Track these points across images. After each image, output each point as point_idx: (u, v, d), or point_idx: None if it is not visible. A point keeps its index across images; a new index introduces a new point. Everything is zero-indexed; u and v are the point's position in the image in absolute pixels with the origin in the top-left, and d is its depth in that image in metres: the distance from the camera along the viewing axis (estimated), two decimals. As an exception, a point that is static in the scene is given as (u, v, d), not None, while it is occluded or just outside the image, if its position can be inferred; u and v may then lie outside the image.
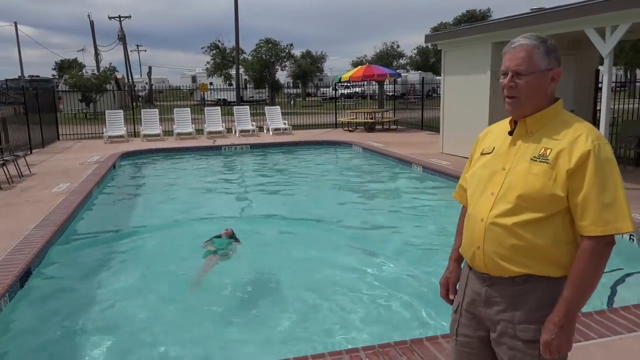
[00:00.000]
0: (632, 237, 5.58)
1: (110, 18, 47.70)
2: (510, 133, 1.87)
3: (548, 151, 1.75)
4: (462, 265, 2.09)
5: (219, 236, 6.27)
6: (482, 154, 1.97)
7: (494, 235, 1.78)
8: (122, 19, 47.24)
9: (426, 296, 4.79)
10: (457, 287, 2.07)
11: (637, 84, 19.52)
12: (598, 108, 10.01)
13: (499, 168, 1.84)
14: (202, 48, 40.81)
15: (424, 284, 5.10)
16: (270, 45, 38.48)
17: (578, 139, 1.72)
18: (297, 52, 44.88)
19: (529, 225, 1.73)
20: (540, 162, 1.74)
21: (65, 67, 51.83)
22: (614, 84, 12.25)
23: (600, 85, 9.92)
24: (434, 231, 7.17)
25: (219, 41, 39.39)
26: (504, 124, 1.96)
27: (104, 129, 17.11)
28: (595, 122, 10.11)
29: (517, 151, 1.82)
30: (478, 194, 1.89)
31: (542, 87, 1.79)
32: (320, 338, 4.06)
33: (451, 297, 2.09)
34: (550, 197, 1.71)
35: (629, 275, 5.03)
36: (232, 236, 6.29)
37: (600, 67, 9.32)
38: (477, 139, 2.08)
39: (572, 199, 1.71)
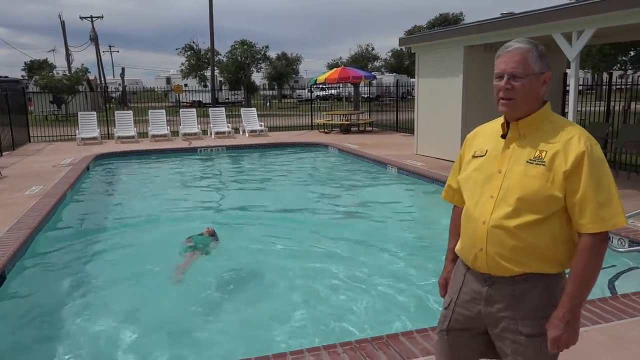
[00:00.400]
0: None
1: (81, 18, 46.94)
2: (503, 136, 1.92)
3: (543, 153, 1.80)
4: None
5: (200, 234, 6.40)
6: (474, 156, 2.01)
7: (495, 237, 1.84)
8: (94, 19, 46.52)
9: (401, 292, 4.94)
10: (450, 284, 2.14)
11: (604, 86, 20.11)
12: (566, 110, 10.33)
13: (495, 171, 1.89)
14: (177, 49, 40.57)
15: (398, 281, 5.24)
16: (245, 46, 38.45)
17: (571, 141, 1.79)
18: (272, 54, 44.98)
19: (529, 227, 1.80)
20: (537, 164, 1.80)
21: (35, 67, 50.78)
22: (581, 86, 12.64)
23: (568, 87, 10.24)
24: (409, 229, 7.32)
25: (194, 42, 39.30)
26: (494, 126, 2.01)
27: (77, 131, 16.85)
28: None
29: (512, 154, 1.87)
30: (477, 197, 1.93)
31: (535, 90, 1.85)
32: (298, 334, 4.14)
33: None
34: (548, 198, 1.77)
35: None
36: (213, 235, 6.44)
37: (568, 71, 9.61)
38: (465, 141, 2.13)
39: (570, 199, 1.77)
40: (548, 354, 1.87)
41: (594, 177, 1.75)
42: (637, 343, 3.48)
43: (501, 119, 1.98)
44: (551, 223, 1.80)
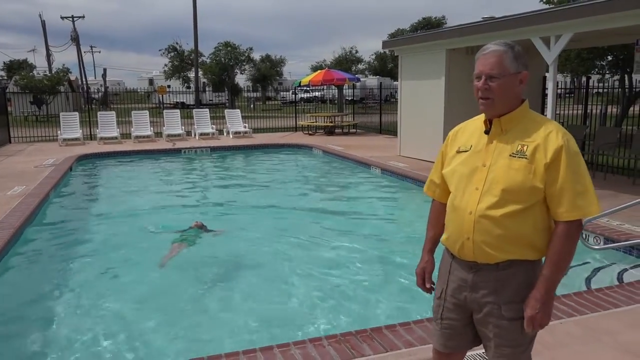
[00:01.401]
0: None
1: (62, 18, 46.36)
2: (487, 132, 2.04)
3: (525, 147, 1.93)
4: (435, 255, 2.30)
5: (189, 228, 6.76)
6: (458, 151, 2.12)
7: (482, 226, 1.96)
8: (75, 19, 46.00)
9: (384, 287, 5.06)
10: (438, 274, 2.24)
11: (582, 90, 20.51)
12: (545, 113, 10.56)
13: (480, 165, 2.01)
14: (160, 50, 40.29)
15: (381, 276, 5.37)
16: (229, 48, 38.34)
17: (550, 135, 1.92)
18: (256, 55, 44.90)
19: (513, 216, 1.92)
20: (519, 157, 1.93)
21: (15, 67, 50.03)
22: (561, 90, 12.92)
23: (546, 91, 10.48)
24: (392, 227, 7.45)
25: (177, 43, 39.00)
26: (476, 123, 2.13)
27: (59, 132, 16.70)
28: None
29: (495, 148, 1.99)
30: (462, 189, 2.04)
31: (512, 89, 1.97)
32: (284, 327, 4.22)
33: (427, 285, 2.29)
34: (531, 189, 1.90)
35: (571, 266, 5.40)
36: (201, 227, 6.77)
37: (547, 74, 9.85)
38: (447, 137, 2.24)
39: (549, 189, 1.90)
40: (527, 335, 2.02)
41: (571, 169, 1.88)
42: (609, 334, 3.62)
43: (483, 116, 2.10)
44: (533, 212, 1.93)
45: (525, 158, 1.92)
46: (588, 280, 5.07)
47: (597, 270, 5.38)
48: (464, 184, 2.04)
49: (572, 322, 3.80)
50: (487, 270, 2.01)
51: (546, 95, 10.19)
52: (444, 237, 2.18)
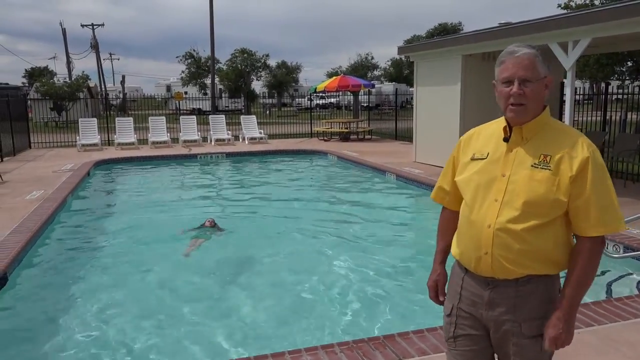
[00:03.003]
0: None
1: (82, 26, 47.17)
2: (506, 140, 1.91)
3: (548, 158, 1.82)
4: (447, 267, 2.18)
5: (202, 225, 7.06)
6: (472, 159, 1.99)
7: (502, 241, 1.84)
8: (95, 27, 46.77)
9: (398, 294, 5.02)
10: (447, 290, 2.12)
11: (601, 96, 20.26)
12: (563, 119, 10.44)
13: (499, 174, 1.88)
14: (177, 57, 40.82)
15: (395, 283, 5.32)
16: (245, 55, 38.67)
17: (576, 146, 1.81)
18: (272, 62, 45.18)
19: (534, 230, 1.82)
20: (542, 168, 1.81)
21: (36, 74, 50.98)
22: (580, 96, 12.76)
23: (564, 97, 10.35)
24: (407, 234, 7.40)
25: (194, 50, 39.48)
26: (492, 129, 2.01)
27: (77, 137, 16.94)
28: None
29: (515, 158, 1.87)
30: (480, 200, 1.91)
31: (542, 94, 1.87)
32: (296, 333, 4.21)
33: (441, 298, 2.16)
34: (554, 202, 1.79)
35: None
36: (214, 225, 7.05)
37: (564, 80, 9.73)
38: (459, 142, 2.12)
39: (573, 203, 1.80)
40: (546, 353, 1.93)
41: (597, 182, 1.79)
42: (629, 345, 3.54)
43: (498, 122, 1.99)
44: (554, 226, 1.84)
45: (549, 169, 1.81)
46: (607, 290, 4.97)
47: (617, 279, 5.27)
48: (482, 195, 1.91)
49: (590, 332, 3.72)
50: (505, 287, 1.90)
51: (564, 101, 10.06)
52: (456, 251, 2.05)
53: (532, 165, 1.84)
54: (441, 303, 2.18)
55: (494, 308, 1.92)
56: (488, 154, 1.94)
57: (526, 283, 1.88)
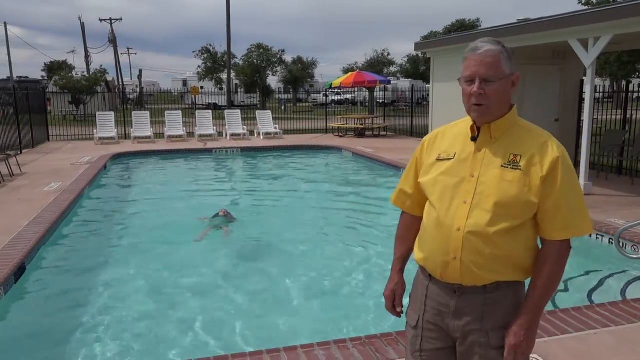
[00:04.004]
0: (610, 240, 5.79)
1: (101, 20, 47.83)
2: (474, 139, 1.83)
3: (518, 157, 1.74)
4: (405, 275, 2.08)
5: (216, 215, 7.27)
6: (438, 159, 1.89)
7: (472, 245, 1.74)
8: (113, 21, 47.23)
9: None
10: (410, 299, 2.02)
11: (622, 94, 19.92)
12: (582, 118, 10.28)
13: (467, 175, 1.79)
14: (194, 52, 41.10)
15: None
16: (261, 50, 38.76)
17: (545, 146, 1.75)
18: (288, 58, 45.21)
19: (506, 234, 1.73)
20: (512, 168, 1.73)
21: (55, 68, 51.61)
22: (601, 94, 12.56)
23: (584, 95, 10.19)
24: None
25: (211, 45, 39.64)
26: (458, 128, 1.92)
27: (95, 131, 17.14)
28: (579, 131, 10.40)
29: (484, 157, 1.78)
30: (447, 202, 1.81)
31: (507, 93, 1.77)
32: (309, 328, 4.21)
33: (398, 309, 2.05)
34: (525, 203, 1.71)
35: (607, 276, 5.24)
36: (227, 215, 7.27)
37: (584, 78, 9.58)
38: (422, 143, 2.01)
39: (543, 205, 1.73)
40: None
41: (566, 184, 1.72)
42: (647, 346, 3.49)
43: (465, 121, 1.91)
44: (525, 230, 1.76)
45: (520, 169, 1.73)
46: (624, 290, 4.89)
47: (635, 280, 5.19)
48: (450, 196, 1.80)
49: (607, 333, 3.67)
50: (473, 294, 1.79)
51: (583, 99, 9.92)
52: (420, 256, 1.92)
53: (502, 166, 1.75)
54: (398, 314, 2.06)
55: (461, 317, 1.81)
56: (455, 154, 1.85)
57: (494, 290, 1.78)
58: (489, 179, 1.76)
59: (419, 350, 1.92)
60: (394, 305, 2.07)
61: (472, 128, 1.85)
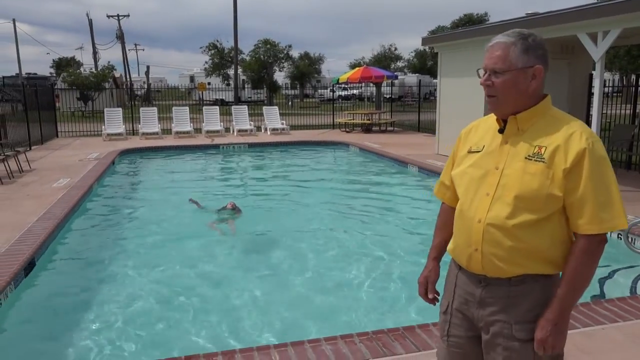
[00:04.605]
0: (619, 235, 5.75)
1: (108, 17, 47.78)
2: (501, 131, 1.83)
3: (543, 149, 1.72)
4: (443, 264, 2.11)
5: (224, 208, 7.45)
6: (469, 151, 1.92)
7: (492, 237, 1.76)
8: (120, 17, 47.35)
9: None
10: (444, 286, 2.05)
11: (632, 88, 19.73)
12: (591, 112, 10.20)
13: (492, 167, 1.80)
14: (201, 48, 41.23)
15: (416, 275, 5.28)
16: (268, 46, 38.74)
17: (572, 137, 1.70)
18: (295, 53, 45.19)
19: (527, 227, 1.72)
20: (536, 161, 1.71)
21: (63, 65, 51.85)
22: (610, 88, 12.45)
23: (593, 89, 10.11)
24: (429, 227, 7.32)
25: (218, 41, 39.71)
26: (491, 121, 1.92)
27: (103, 127, 17.22)
28: (588, 125, 10.31)
29: (510, 150, 1.78)
30: (472, 194, 1.84)
31: (520, 86, 1.75)
32: (315, 323, 4.23)
33: (430, 295, 2.08)
34: (548, 197, 1.69)
35: (615, 271, 5.21)
36: (234, 208, 7.44)
37: (593, 72, 9.50)
38: (459, 136, 2.05)
39: (568, 198, 1.69)
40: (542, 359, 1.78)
41: (594, 176, 1.67)
42: (655, 342, 3.47)
43: None
44: (550, 223, 1.73)
45: (543, 161, 1.70)
46: (633, 286, 4.87)
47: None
48: (474, 188, 1.83)
49: (614, 328, 3.65)
50: (498, 285, 1.80)
51: (592, 93, 9.85)
52: (450, 245, 1.98)
53: (525, 158, 1.74)
54: (430, 301, 2.11)
55: (485, 307, 1.83)
56: (484, 146, 1.87)
57: (520, 283, 1.77)
58: (512, 172, 1.75)
59: (447, 335, 1.99)
60: (426, 291, 2.11)
61: (498, 120, 1.86)
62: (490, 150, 1.84)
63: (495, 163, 1.81)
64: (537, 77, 1.76)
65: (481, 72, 1.84)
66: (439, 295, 2.09)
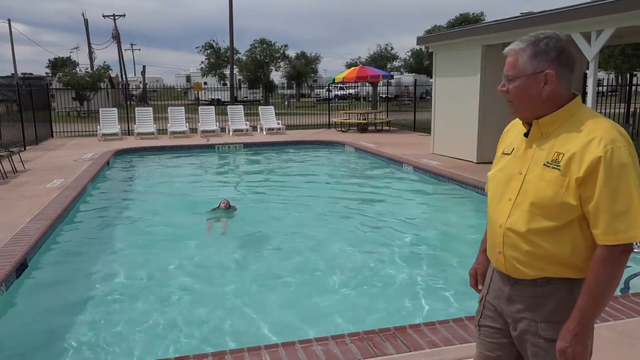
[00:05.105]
0: None
1: (104, 16, 47.58)
2: (526, 135, 1.82)
3: (560, 156, 1.68)
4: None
5: (217, 207, 7.43)
6: (503, 153, 1.93)
7: (511, 241, 1.79)
8: (116, 17, 47.18)
9: (410, 286, 4.99)
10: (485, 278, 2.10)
11: (626, 87, 19.78)
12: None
13: (516, 172, 1.81)
14: (197, 48, 41.12)
15: (407, 275, 5.30)
16: (264, 45, 38.72)
17: (590, 144, 1.64)
18: (291, 53, 45.17)
19: (544, 234, 1.71)
20: (553, 168, 1.69)
21: (59, 65, 51.67)
22: (605, 87, 12.49)
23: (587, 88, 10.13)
24: (422, 226, 7.34)
25: (214, 41, 39.65)
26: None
27: (98, 127, 17.18)
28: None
29: (533, 155, 1.77)
30: (497, 198, 1.87)
31: (531, 91, 1.74)
32: (307, 323, 4.22)
33: (479, 286, 2.12)
34: (562, 205, 1.67)
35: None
36: (228, 206, 7.46)
37: (587, 71, 9.52)
38: (503, 133, 2.04)
39: (584, 207, 1.66)
40: None
41: (610, 185, 1.60)
42: (646, 341, 3.48)
43: None
44: (571, 231, 1.70)
45: (559, 169, 1.67)
46: (626, 285, 4.88)
47: (637, 274, 5.17)
48: (500, 193, 1.86)
49: (605, 327, 3.66)
50: (524, 285, 1.82)
51: (586, 93, 9.87)
52: (486, 246, 2.02)
53: (544, 164, 1.72)
54: (480, 292, 2.13)
55: (513, 304, 1.86)
56: (513, 149, 1.87)
57: (546, 284, 1.78)
58: (532, 178, 1.75)
59: (478, 325, 2.06)
60: (476, 282, 2.16)
61: (524, 123, 1.86)
62: (519, 155, 1.84)
63: (519, 168, 1.81)
64: (549, 82, 1.73)
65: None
66: None
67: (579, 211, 1.67)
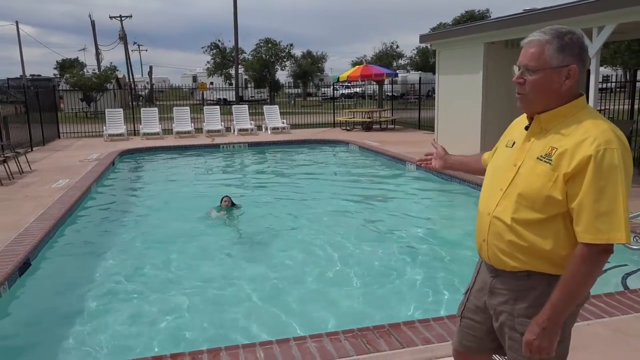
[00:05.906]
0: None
1: (111, 17, 47.83)
2: (527, 128, 1.84)
3: (553, 151, 1.71)
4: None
5: (219, 205, 7.54)
6: (506, 146, 1.95)
7: (495, 230, 1.83)
8: (123, 18, 47.39)
9: (407, 282, 5.02)
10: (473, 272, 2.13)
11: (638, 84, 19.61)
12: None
13: (511, 164, 1.84)
14: (203, 48, 41.18)
15: (405, 272, 5.33)
16: (270, 45, 38.72)
17: (584, 142, 1.65)
18: (297, 52, 45.16)
19: (528, 225, 1.75)
20: (545, 162, 1.72)
21: (67, 66, 51.98)
22: (612, 83, 12.39)
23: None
24: (423, 224, 7.35)
25: (219, 41, 39.74)
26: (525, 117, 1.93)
27: (104, 127, 17.31)
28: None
29: (530, 148, 1.80)
30: (489, 188, 1.93)
31: (552, 85, 1.73)
32: (301, 320, 4.26)
33: (417, 159, 2.35)
34: (547, 198, 1.70)
35: (609, 268, 5.19)
36: (232, 205, 7.55)
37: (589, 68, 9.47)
38: (510, 125, 2.05)
39: (570, 204, 1.68)
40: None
41: (596, 184, 1.62)
42: (638, 338, 3.48)
43: None
44: (555, 225, 1.73)
45: (550, 163, 1.70)
46: (622, 281, 4.87)
47: (633, 272, 5.15)
48: (493, 182, 1.91)
49: (600, 324, 3.66)
50: (505, 277, 1.86)
51: (588, 89, 9.81)
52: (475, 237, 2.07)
53: (537, 158, 1.75)
54: (420, 160, 2.51)
55: (495, 296, 1.91)
56: (514, 143, 1.91)
57: (525, 278, 1.81)
58: (525, 170, 1.79)
59: (461, 315, 2.12)
60: (424, 159, 2.45)
61: (527, 117, 1.88)
62: (517, 147, 1.88)
63: (515, 160, 1.85)
64: (571, 76, 1.73)
65: (516, 68, 1.82)
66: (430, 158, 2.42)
67: (564, 207, 1.70)
